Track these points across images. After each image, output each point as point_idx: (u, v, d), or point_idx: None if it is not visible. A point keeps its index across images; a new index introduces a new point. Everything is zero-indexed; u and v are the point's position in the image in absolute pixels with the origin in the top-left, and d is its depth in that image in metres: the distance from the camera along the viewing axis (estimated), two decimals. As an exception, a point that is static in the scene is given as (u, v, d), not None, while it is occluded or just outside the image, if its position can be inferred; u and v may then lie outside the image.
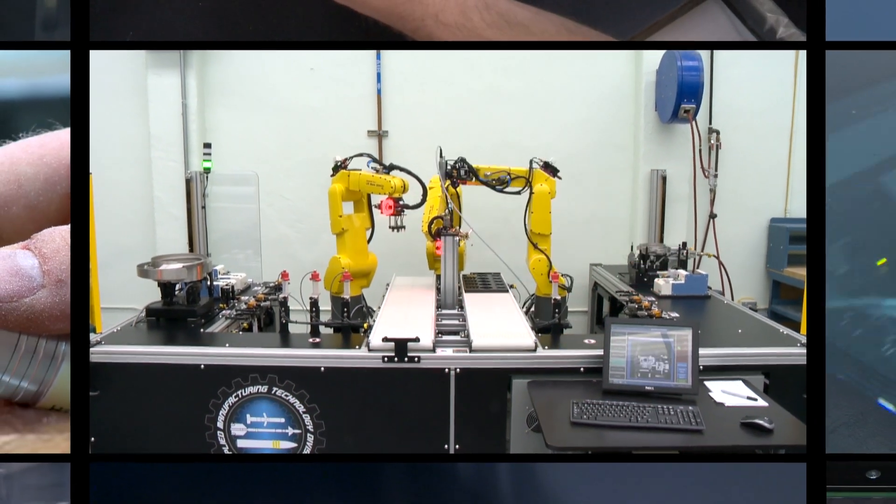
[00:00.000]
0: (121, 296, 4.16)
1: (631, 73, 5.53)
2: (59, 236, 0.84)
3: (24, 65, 2.22)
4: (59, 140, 0.90)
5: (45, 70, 2.04)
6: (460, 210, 3.85)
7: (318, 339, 3.16)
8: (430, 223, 3.75)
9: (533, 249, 3.71)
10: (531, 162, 3.76)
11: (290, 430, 2.94)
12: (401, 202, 3.77)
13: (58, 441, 0.84)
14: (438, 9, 1.51)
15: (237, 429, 2.95)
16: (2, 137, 0.93)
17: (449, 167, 3.76)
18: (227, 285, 3.87)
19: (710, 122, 5.51)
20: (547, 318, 3.50)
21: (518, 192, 3.77)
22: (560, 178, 3.74)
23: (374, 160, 3.89)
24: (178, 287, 3.52)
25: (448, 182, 3.78)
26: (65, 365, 0.85)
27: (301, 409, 2.93)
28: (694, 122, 5.24)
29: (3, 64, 2.34)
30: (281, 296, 3.71)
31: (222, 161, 5.45)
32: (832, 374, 1.64)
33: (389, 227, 3.82)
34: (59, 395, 0.85)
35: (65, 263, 0.83)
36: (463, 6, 1.50)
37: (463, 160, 3.78)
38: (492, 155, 5.12)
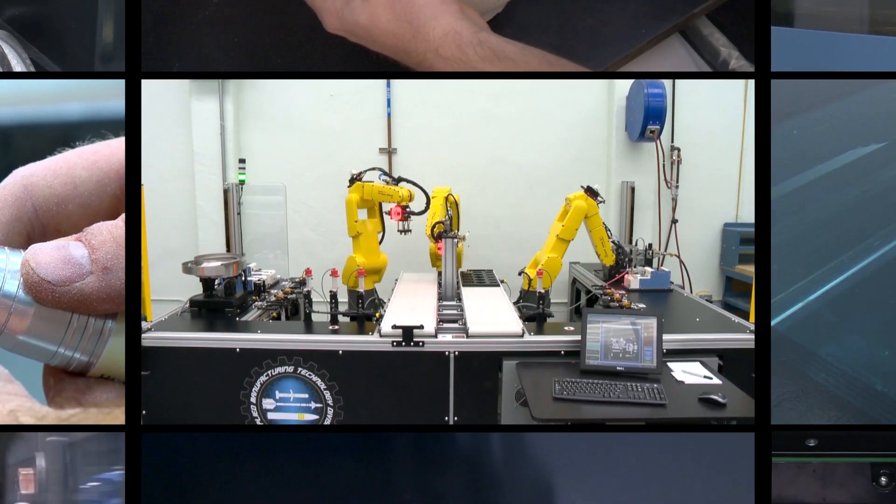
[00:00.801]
0: (168, 289, 4.15)
1: (604, 99, 5.52)
2: (106, 230, 0.84)
3: (86, 91, 2.22)
4: (109, 148, 0.90)
5: (103, 95, 2.04)
6: (459, 217, 3.84)
7: (336, 327, 3.15)
8: (433, 227, 3.74)
9: (549, 249, 3.73)
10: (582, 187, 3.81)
11: (313, 405, 2.93)
12: (407, 209, 3.76)
13: (115, 413, 0.83)
14: (438, 45, 1.51)
15: (267, 403, 2.94)
16: (64, 148, 0.93)
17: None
18: (258, 280, 3.86)
19: (673, 141, 5.51)
20: (532, 308, 3.49)
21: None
22: (602, 201, 3.77)
23: (385, 173, 3.88)
24: (216, 282, 3.51)
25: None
26: (111, 339, 0.84)
27: (322, 386, 2.92)
28: (658, 141, 5.24)
29: (67, 91, 2.33)
30: (305, 289, 3.69)
31: (255, 174, 5.46)
32: (776, 356, 1.62)
33: (398, 230, 3.82)
34: (106, 365, 0.84)
35: (110, 253, 0.83)
36: (459, 42, 1.50)
37: None
38: (485, 169, 5.13)
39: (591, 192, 3.81)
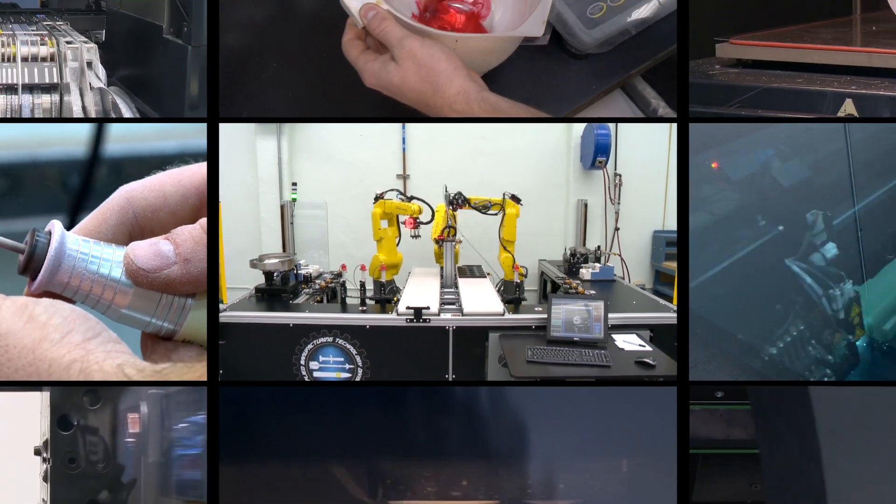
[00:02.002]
0: (239, 280, 4.16)
1: (564, 137, 5.53)
2: (187, 231, 0.84)
3: (178, 132, 2.22)
4: (191, 170, 0.90)
5: (191, 135, 2.04)
6: (456, 225, 3.84)
7: (364, 308, 3.16)
8: (442, 231, 3.76)
9: (503, 251, 3.71)
10: (504, 195, 3.75)
11: (347, 366, 2.94)
12: (418, 220, 3.76)
13: (198, 370, 0.84)
14: (452, 101, 1.53)
15: (313, 365, 2.95)
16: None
17: (451, 197, 3.77)
18: (306, 273, 3.86)
19: (616, 169, 5.51)
20: (511, 294, 3.50)
21: (495, 214, 3.76)
22: (522, 204, 3.74)
23: (401, 193, 3.89)
24: (275, 274, 3.52)
25: (449, 207, 3.79)
26: (191, 313, 0.84)
27: (354, 352, 2.93)
28: (605, 170, 5.28)
29: (164, 131, 2.33)
30: (341, 280, 3.71)
31: (304, 194, 5.48)
32: (692, 329, 1.63)
33: (410, 236, 3.82)
34: (187, 332, 0.85)
35: (190, 248, 0.83)
36: (467, 99, 1.52)
37: (460, 193, 3.78)
38: (476, 189, 5.11)
39: (515, 199, 3.74)
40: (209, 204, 0.90)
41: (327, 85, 1.85)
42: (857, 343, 1.76)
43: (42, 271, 0.81)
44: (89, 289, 0.82)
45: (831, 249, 1.78)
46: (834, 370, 1.73)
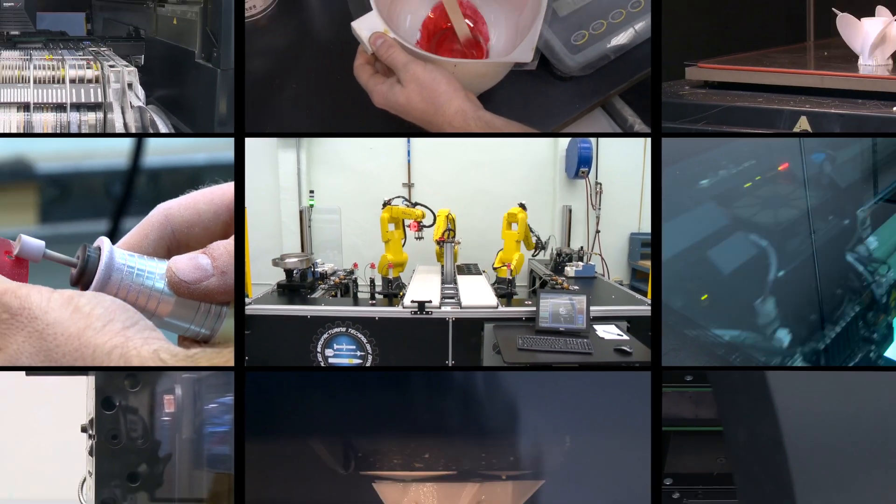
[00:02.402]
0: (262, 277, 4.14)
1: (551, 150, 5.54)
2: (222, 246, 0.84)
3: (208, 145, 2.22)
4: (222, 189, 0.89)
5: (220, 148, 2.03)
6: (455, 228, 3.84)
7: (374, 301, 3.16)
8: (442, 234, 3.77)
9: (515, 251, 3.73)
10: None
11: (358, 353, 2.94)
12: (421, 224, 3.76)
13: (227, 357, 0.84)
14: (451, 118, 1.54)
15: (328, 352, 2.95)
16: (192, 188, 0.93)
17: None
18: (322, 271, 3.85)
19: (597, 178, 5.51)
20: (504, 290, 3.50)
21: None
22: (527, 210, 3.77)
23: (406, 200, 3.88)
24: (294, 272, 3.51)
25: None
26: (226, 321, 0.84)
27: (365, 340, 2.92)
28: (587, 179, 5.28)
29: (195, 145, 2.33)
30: (353, 277, 3.70)
31: (320, 201, 5.48)
32: (665, 321, 1.63)
33: (415, 238, 3.82)
34: (222, 337, 0.85)
35: (226, 262, 0.83)
36: (465, 118, 1.52)
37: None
38: (472, 196, 5.13)
39: (523, 206, 3.82)
40: (236, 208, 0.89)
41: (341, 104, 1.85)
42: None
43: (94, 283, 0.81)
44: (135, 299, 0.82)
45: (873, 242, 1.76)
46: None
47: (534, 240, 4.08)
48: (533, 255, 4.21)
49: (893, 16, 1.79)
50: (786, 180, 1.88)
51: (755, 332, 1.75)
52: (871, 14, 1.81)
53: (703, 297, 1.71)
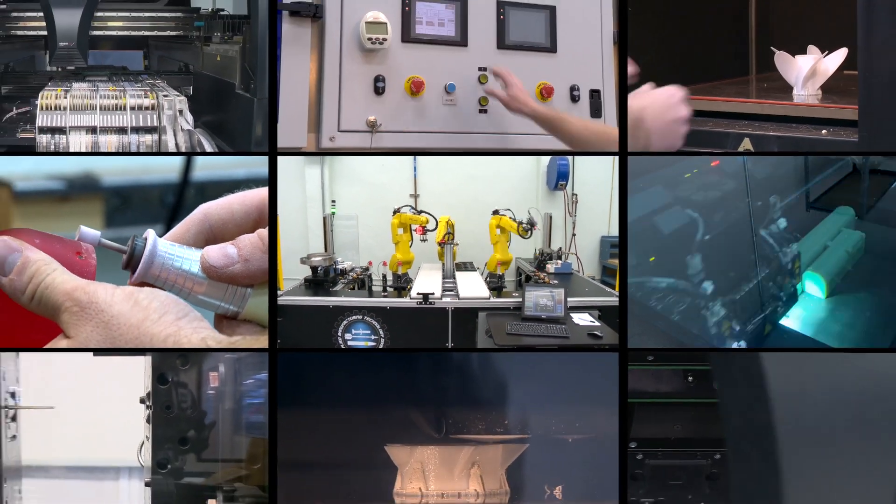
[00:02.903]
0: (292, 273, 4.14)
1: (535, 166, 5.54)
2: (247, 238, 0.83)
3: (246, 162, 2.21)
4: (253, 192, 0.88)
5: (256, 165, 2.02)
6: (454, 232, 3.84)
7: (386, 293, 3.17)
8: (442, 238, 3.77)
9: (505, 252, 3.73)
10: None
11: (373, 337, 2.94)
12: (425, 229, 3.77)
13: (261, 340, 0.84)
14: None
15: (347, 336, 2.94)
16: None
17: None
18: (342, 268, 3.85)
19: (573, 190, 5.51)
20: (495, 283, 3.50)
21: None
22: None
23: (413, 208, 3.89)
24: (319, 269, 3.52)
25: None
26: (250, 299, 0.83)
27: (378, 326, 2.92)
28: (565, 191, 5.29)
29: (236, 162, 2.33)
30: (368, 273, 3.71)
31: (341, 209, 5.47)
32: (630, 310, 1.63)
33: (420, 240, 3.82)
34: (247, 313, 0.83)
35: (249, 252, 0.82)
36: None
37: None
38: (468, 205, 5.11)
39: (496, 212, 3.81)
40: (270, 215, 0.90)
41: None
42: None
43: (139, 267, 0.82)
44: (174, 280, 0.83)
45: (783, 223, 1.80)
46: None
47: (525, 227, 3.95)
48: (527, 237, 4.08)
49: (821, 53, 1.79)
50: (716, 173, 1.91)
51: (685, 280, 1.76)
52: (804, 52, 1.82)
53: (650, 259, 1.72)
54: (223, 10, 2.42)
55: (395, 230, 3.81)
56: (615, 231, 6.11)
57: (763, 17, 2.27)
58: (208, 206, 0.88)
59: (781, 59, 1.79)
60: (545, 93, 2.13)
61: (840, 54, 1.77)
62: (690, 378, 1.74)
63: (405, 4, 2.13)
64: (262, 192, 0.90)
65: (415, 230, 3.84)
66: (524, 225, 3.77)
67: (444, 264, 3.94)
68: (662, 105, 1.55)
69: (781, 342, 1.86)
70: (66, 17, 2.08)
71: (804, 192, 2.38)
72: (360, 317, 2.94)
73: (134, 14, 2.41)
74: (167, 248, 0.83)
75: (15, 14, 2.34)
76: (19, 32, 2.42)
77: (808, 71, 1.75)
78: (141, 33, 2.48)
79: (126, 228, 2.45)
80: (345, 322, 2.96)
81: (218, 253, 0.82)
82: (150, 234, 0.83)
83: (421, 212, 3.87)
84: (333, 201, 5.64)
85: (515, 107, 1.97)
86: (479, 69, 2.13)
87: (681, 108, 1.54)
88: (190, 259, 0.83)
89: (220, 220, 0.87)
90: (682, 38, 2.08)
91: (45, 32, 2.44)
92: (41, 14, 2.39)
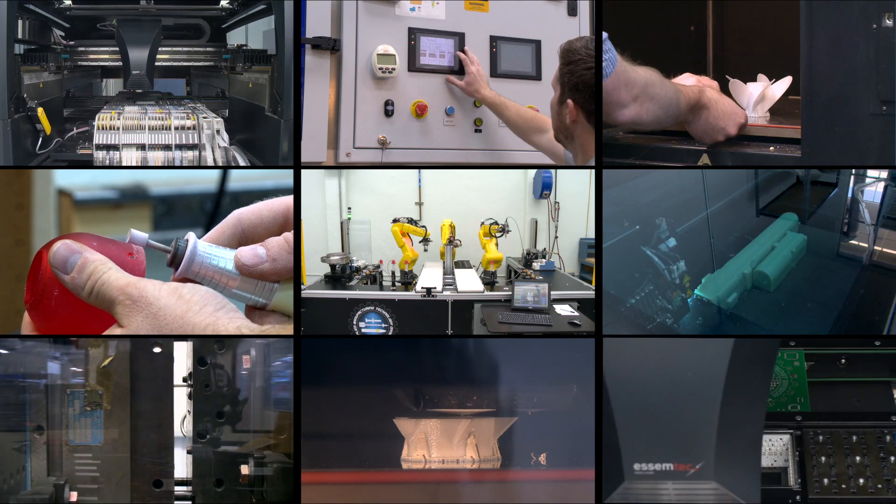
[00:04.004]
0: (314, 270, 4.14)
1: (522, 178, 5.53)
2: (274, 240, 0.83)
3: (274, 174, 2.22)
4: (280, 199, 0.88)
5: (283, 177, 2.03)
6: (454, 235, 3.84)
7: (394, 287, 3.16)
8: (445, 241, 3.78)
9: (495, 252, 3.72)
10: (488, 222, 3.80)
11: (383, 325, 2.93)
12: (424, 238, 3.77)
13: (287, 328, 0.84)
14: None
15: (362, 325, 2.94)
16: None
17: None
18: (357, 266, 3.85)
19: (556, 198, 5.50)
20: (489, 279, 3.49)
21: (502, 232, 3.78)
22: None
23: (409, 219, 3.87)
24: (337, 266, 3.51)
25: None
26: (276, 294, 0.83)
27: (388, 316, 2.92)
28: (548, 199, 5.28)
29: (265, 174, 2.34)
30: (379, 270, 3.71)
31: (356, 215, 5.45)
32: (605, 302, 1.63)
33: (422, 250, 3.82)
34: (274, 305, 0.83)
35: (276, 252, 0.82)
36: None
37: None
38: (465, 212, 5.10)
39: (495, 223, 3.79)
40: (294, 220, 0.90)
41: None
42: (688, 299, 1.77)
43: (182, 265, 0.82)
44: (212, 276, 0.83)
45: (672, 242, 1.78)
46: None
47: (497, 231, 3.90)
48: (499, 236, 4.06)
49: (769, 81, 1.79)
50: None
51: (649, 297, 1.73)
52: (754, 79, 1.82)
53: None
54: (245, 45, 2.53)
55: (398, 235, 3.81)
56: (592, 234, 6.08)
57: (719, 50, 2.27)
58: (241, 212, 0.88)
59: (735, 86, 1.79)
60: (532, 114, 2.17)
61: (785, 82, 1.77)
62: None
63: (411, 39, 2.14)
64: (288, 200, 0.90)
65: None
66: (497, 230, 3.77)
67: (444, 263, 3.93)
68: (725, 112, 1.56)
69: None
70: (136, 51, 2.21)
71: (755, 199, 2.38)
72: (373, 308, 2.94)
73: (176, 48, 2.44)
74: (206, 248, 0.83)
75: (81, 49, 2.44)
76: (83, 63, 2.49)
77: (758, 96, 1.75)
78: (182, 64, 2.51)
79: (171, 232, 2.45)
80: (359, 312, 2.95)
81: (249, 253, 0.82)
82: (191, 236, 0.83)
83: (416, 222, 3.84)
84: (349, 208, 5.64)
85: (469, 92, 2.11)
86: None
87: (733, 126, 1.56)
88: (225, 258, 0.83)
89: (251, 224, 0.87)
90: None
91: (101, 64, 2.51)
92: (99, 49, 2.46)
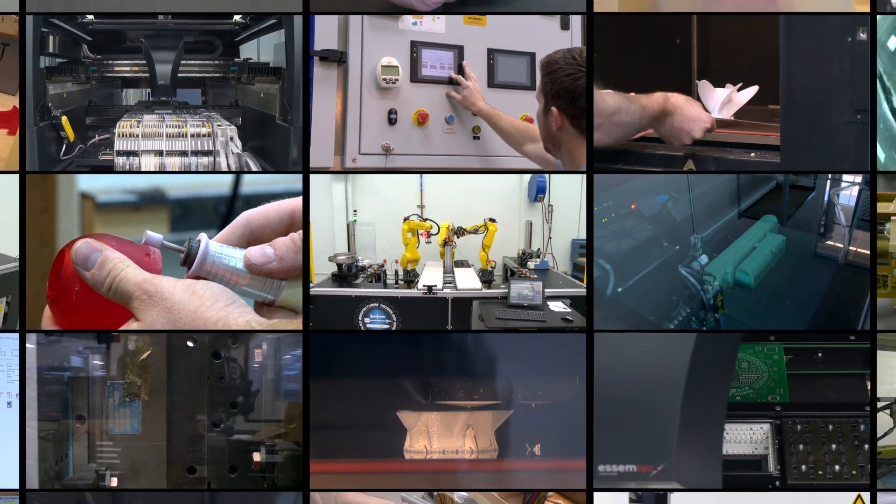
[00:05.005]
0: (321, 269, 4.13)
1: (518, 182, 5.52)
2: (282, 240, 0.82)
3: (284, 179, 2.20)
4: (287, 201, 0.87)
5: (292, 182, 2.02)
6: (453, 236, 3.83)
7: (398, 285, 3.16)
8: (445, 237, 3.77)
9: (483, 251, 3.71)
10: (485, 219, 3.76)
11: (387, 321, 2.92)
12: (430, 233, 3.75)
13: (296, 323, 0.83)
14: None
15: (367, 320, 2.93)
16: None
17: (455, 229, 3.75)
18: (362, 265, 3.83)
19: (550, 202, 5.50)
20: (486, 277, 3.48)
21: (478, 233, 3.75)
22: (496, 223, 3.73)
23: (419, 216, 3.87)
24: (343, 265, 3.50)
25: (454, 235, 3.79)
26: (284, 291, 0.82)
27: (391, 312, 2.91)
28: (543, 202, 5.26)
29: (276, 179, 2.32)
30: (383, 269, 3.70)
31: (361, 217, 5.44)
32: (595, 299, 1.62)
33: (425, 242, 3.80)
34: (282, 301, 0.82)
35: (283, 252, 0.81)
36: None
37: (461, 227, 3.75)
38: (464, 214, 5.08)
39: (492, 220, 3.75)
40: (304, 222, 0.90)
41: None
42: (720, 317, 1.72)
43: (194, 264, 0.82)
44: (222, 274, 0.83)
45: (703, 259, 1.72)
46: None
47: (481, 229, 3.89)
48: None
49: (735, 87, 1.81)
50: (636, 216, 1.86)
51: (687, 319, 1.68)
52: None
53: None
54: (250, 58, 2.55)
55: (405, 234, 3.81)
56: (583, 235, 6.08)
57: (703, 62, 2.27)
58: (249, 214, 0.87)
59: (703, 87, 1.79)
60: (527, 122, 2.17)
61: (751, 90, 1.78)
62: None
63: (413, 51, 2.14)
64: (293, 202, 0.89)
65: (421, 234, 3.85)
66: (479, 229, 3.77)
67: (444, 262, 3.91)
68: (690, 117, 1.56)
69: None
70: (161, 64, 2.28)
71: (737, 204, 2.37)
72: (377, 304, 2.93)
73: (190, 60, 2.46)
74: (217, 248, 0.82)
75: (107, 62, 2.49)
76: (108, 75, 2.52)
77: (724, 99, 1.76)
78: (195, 75, 2.52)
79: (188, 233, 2.44)
80: (364, 309, 2.94)
81: (258, 252, 0.82)
82: (203, 237, 0.83)
83: (426, 219, 3.86)
84: (355, 211, 5.64)
85: (465, 105, 2.13)
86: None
87: (699, 130, 1.56)
88: (235, 257, 0.82)
89: (259, 225, 0.86)
90: (639, 79, 2.07)
91: (122, 75, 2.53)
92: (121, 61, 2.49)
